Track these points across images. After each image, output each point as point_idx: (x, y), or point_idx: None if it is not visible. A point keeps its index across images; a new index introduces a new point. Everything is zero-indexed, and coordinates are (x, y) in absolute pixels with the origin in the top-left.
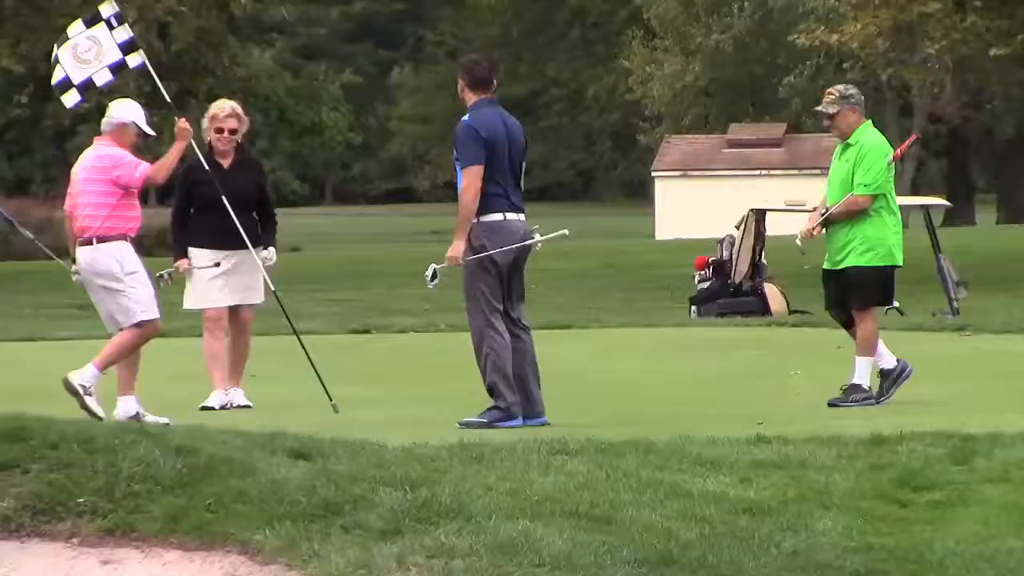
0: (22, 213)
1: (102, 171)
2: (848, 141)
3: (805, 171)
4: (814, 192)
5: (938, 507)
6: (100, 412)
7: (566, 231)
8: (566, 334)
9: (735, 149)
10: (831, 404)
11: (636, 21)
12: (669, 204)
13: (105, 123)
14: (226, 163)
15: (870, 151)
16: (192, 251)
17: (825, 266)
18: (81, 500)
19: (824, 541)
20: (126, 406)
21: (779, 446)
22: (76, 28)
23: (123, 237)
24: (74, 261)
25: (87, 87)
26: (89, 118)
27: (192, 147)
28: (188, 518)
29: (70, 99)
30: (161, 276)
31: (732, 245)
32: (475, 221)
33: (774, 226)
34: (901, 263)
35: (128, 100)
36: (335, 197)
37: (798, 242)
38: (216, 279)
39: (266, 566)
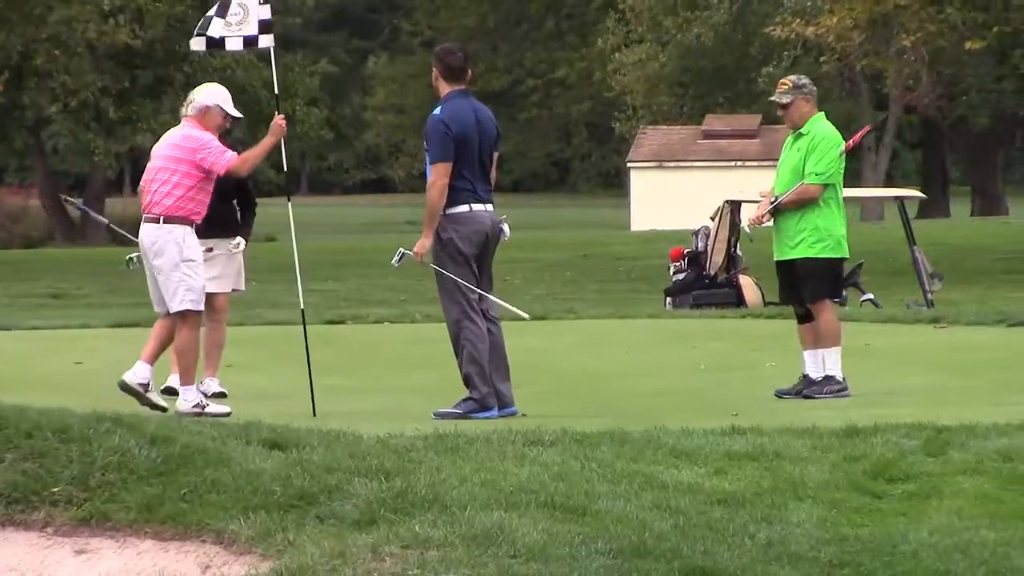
0: None
1: (186, 151)
2: (800, 131)
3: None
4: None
5: (912, 498)
6: (225, 409)
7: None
8: (541, 325)
9: (710, 140)
10: (806, 396)
11: (609, 10)
12: (644, 195)
13: (191, 106)
14: None
15: (822, 140)
16: None
17: (776, 257)
18: (56, 489)
19: (798, 532)
20: (142, 371)
21: (754, 437)
22: None
23: (189, 222)
24: None
25: (217, 44)
26: (66, 106)
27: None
28: (163, 508)
29: (196, 44)
30: (130, 259)
31: (707, 236)
32: (442, 214)
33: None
34: (848, 255)
35: (214, 84)
36: (310, 187)
37: (746, 228)
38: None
39: (241, 556)
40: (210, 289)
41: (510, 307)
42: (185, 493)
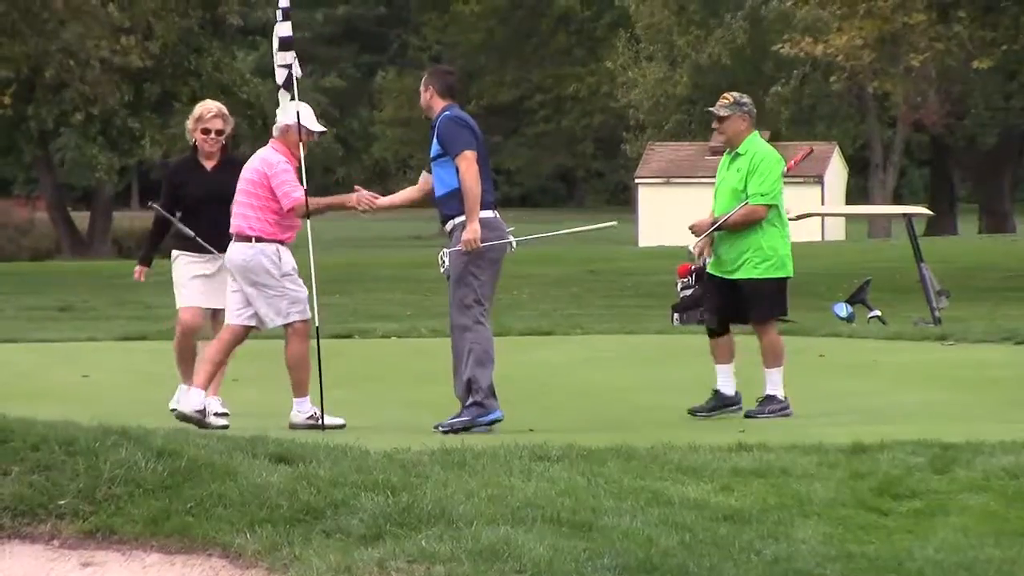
0: (4, 214)
1: (261, 175)
2: (738, 151)
3: (787, 179)
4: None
5: (918, 516)
6: (340, 421)
7: (615, 223)
8: (548, 340)
9: (718, 156)
10: (747, 416)
11: (619, 27)
12: (652, 211)
13: (275, 128)
14: (210, 165)
15: (764, 160)
16: (176, 254)
17: (713, 271)
18: (62, 502)
19: (804, 549)
20: (194, 398)
21: (760, 454)
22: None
23: (279, 240)
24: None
25: (290, 81)
26: (72, 120)
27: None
28: (169, 521)
29: (292, 104)
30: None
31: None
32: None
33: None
34: (792, 273)
35: (294, 102)
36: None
37: (691, 248)
38: (197, 281)
39: (247, 570)
40: (216, 305)
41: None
42: (191, 507)
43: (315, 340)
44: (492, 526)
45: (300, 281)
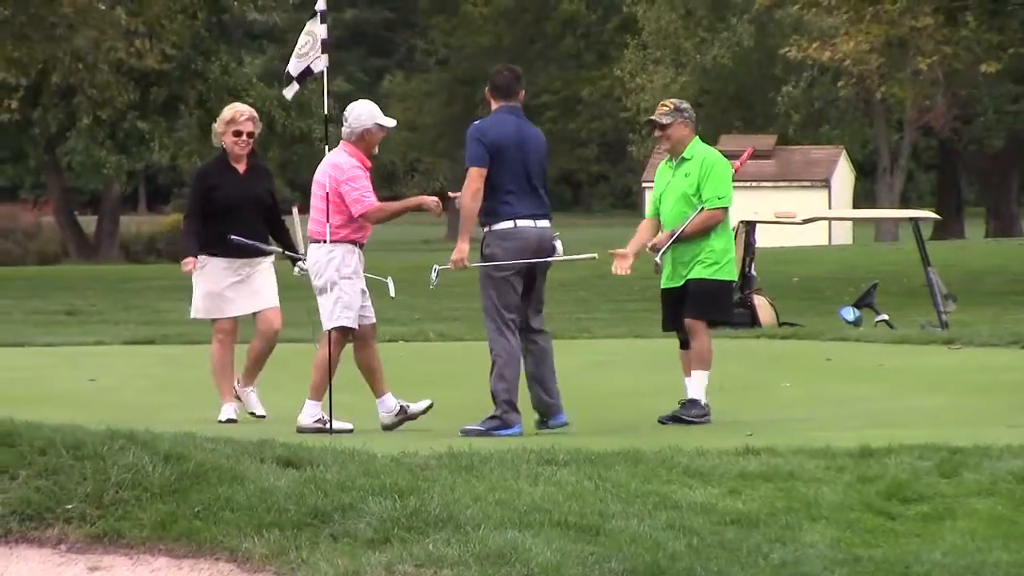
0: (11, 219)
1: (331, 180)
2: (683, 156)
3: (794, 183)
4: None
5: (926, 519)
6: (348, 426)
7: (595, 255)
8: (556, 344)
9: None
10: (661, 421)
11: (625, 31)
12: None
13: (346, 131)
14: (241, 168)
15: (715, 164)
16: (204, 259)
17: (666, 285)
18: (69, 506)
19: (812, 553)
20: (390, 403)
21: (768, 457)
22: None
23: (351, 242)
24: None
25: (304, 75)
26: (81, 123)
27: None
28: (176, 525)
29: (288, 91)
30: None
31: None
32: (487, 230)
33: (764, 238)
34: (736, 278)
35: (361, 101)
36: None
37: (657, 260)
38: (228, 288)
39: (255, 574)
40: (248, 311)
41: (577, 256)
42: (199, 511)
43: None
44: (500, 530)
45: (359, 285)
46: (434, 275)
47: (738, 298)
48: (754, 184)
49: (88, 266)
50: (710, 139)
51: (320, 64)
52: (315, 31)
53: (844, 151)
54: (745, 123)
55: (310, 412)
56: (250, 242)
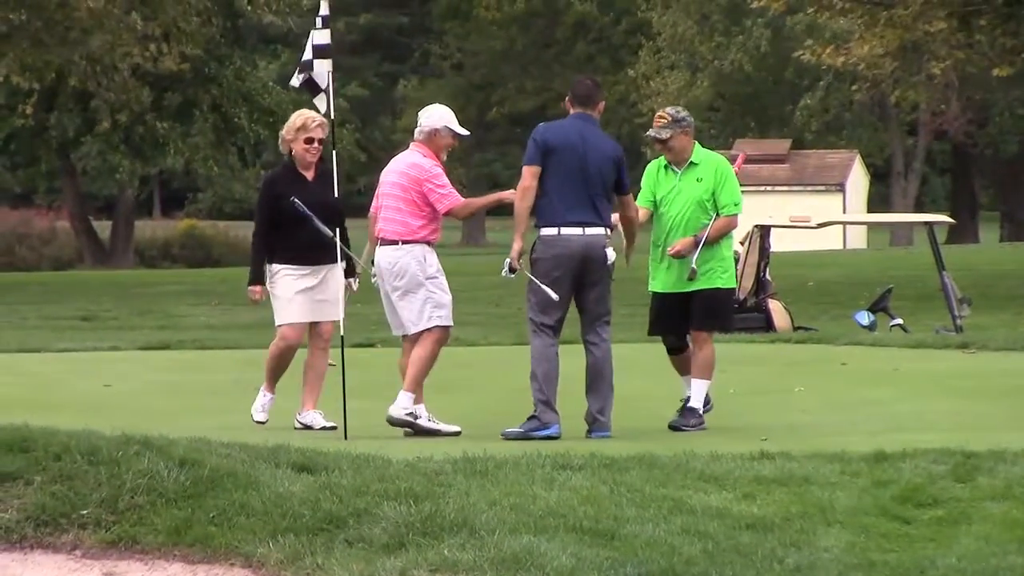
0: (26, 224)
1: (413, 181)
2: (692, 160)
3: (809, 187)
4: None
5: (941, 524)
6: (440, 427)
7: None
8: (569, 349)
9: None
10: (672, 428)
11: (636, 35)
12: None
13: (417, 131)
14: (310, 175)
15: (727, 170)
16: (276, 267)
17: (670, 289)
18: (84, 512)
19: (827, 557)
20: (405, 400)
21: (782, 462)
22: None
23: (427, 243)
24: (371, 262)
25: (311, 86)
26: (99, 127)
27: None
28: (191, 531)
29: (319, 102)
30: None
31: (737, 261)
32: (538, 233)
33: (779, 242)
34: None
35: (436, 105)
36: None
37: (694, 265)
38: (300, 296)
39: None
40: (315, 318)
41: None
42: (214, 516)
43: (340, 348)
44: (515, 535)
45: (445, 284)
46: (505, 270)
47: (753, 303)
48: (768, 188)
49: (103, 271)
50: (725, 143)
51: (322, 70)
52: (313, 36)
53: (859, 155)
54: (760, 127)
55: (402, 403)
56: (309, 213)
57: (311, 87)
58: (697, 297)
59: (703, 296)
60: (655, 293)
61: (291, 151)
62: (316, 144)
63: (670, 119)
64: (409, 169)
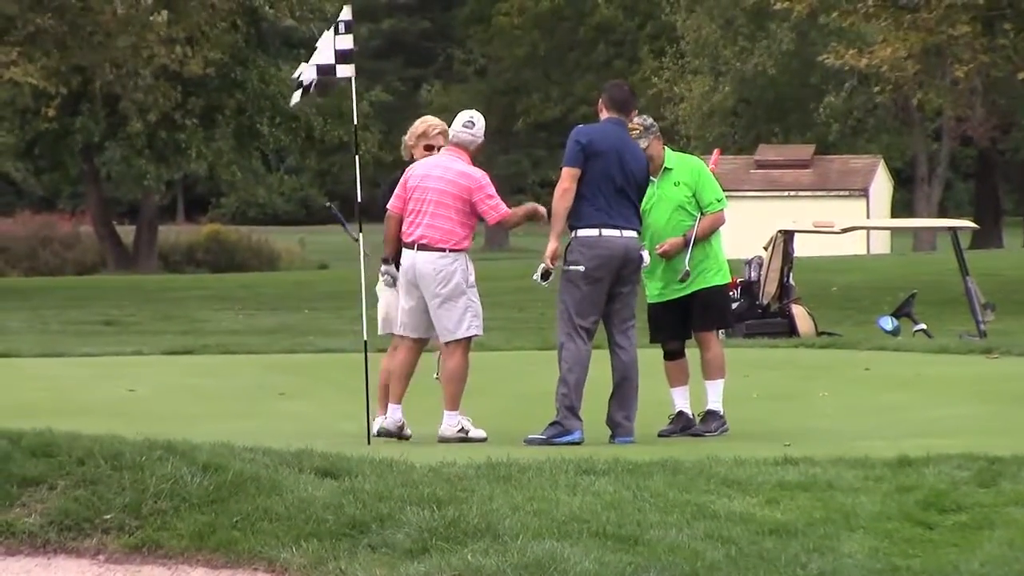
0: (50, 228)
1: (464, 190)
2: (666, 166)
3: (833, 192)
4: (842, 213)
5: (964, 529)
6: (482, 433)
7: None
8: (594, 353)
9: (763, 170)
10: (694, 434)
11: (658, 39)
12: None
13: (466, 137)
14: None
15: (703, 169)
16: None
17: (666, 298)
18: (108, 516)
19: (850, 563)
20: (393, 414)
21: (806, 467)
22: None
23: (466, 251)
24: (386, 262)
25: (301, 85)
26: (130, 128)
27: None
28: (215, 535)
29: (295, 98)
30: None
31: (760, 266)
32: (573, 234)
33: (802, 247)
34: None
35: (475, 112)
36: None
37: (687, 267)
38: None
39: None
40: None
41: None
42: (237, 521)
43: (363, 353)
44: (538, 540)
45: (478, 295)
46: (537, 276)
47: (777, 307)
48: (792, 194)
49: (126, 276)
50: (749, 148)
51: (312, 73)
52: (327, 38)
53: (882, 160)
54: (784, 132)
55: (450, 423)
56: (340, 217)
57: (310, 87)
58: (694, 298)
59: (700, 296)
60: (651, 303)
61: (411, 156)
62: (436, 151)
63: (641, 128)
64: (459, 178)
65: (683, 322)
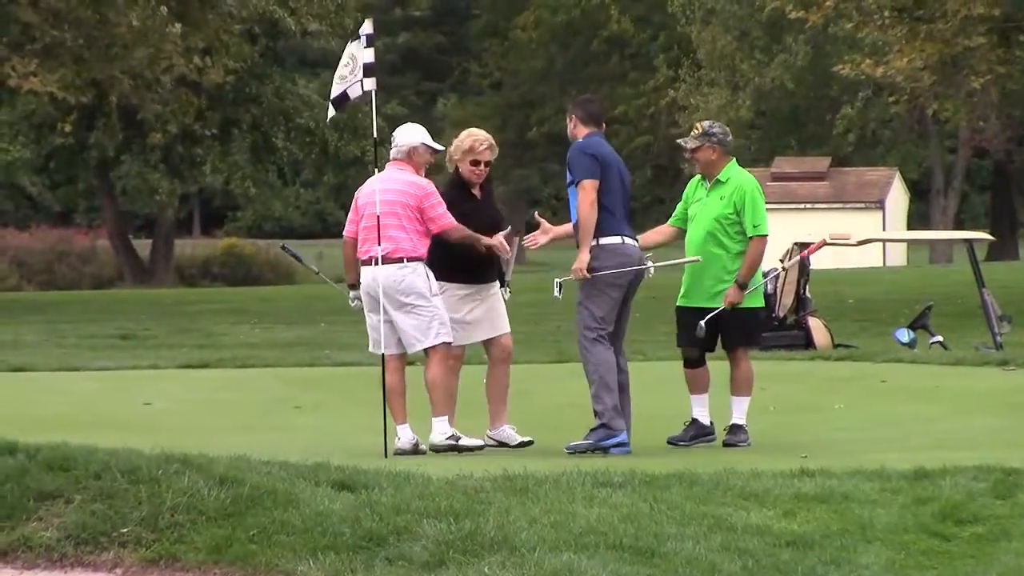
0: (66, 242)
1: (412, 197)
2: (718, 178)
3: (849, 204)
4: (858, 226)
5: (980, 541)
6: (479, 442)
7: (699, 258)
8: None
9: (779, 183)
10: (727, 444)
11: (672, 50)
12: None
13: (395, 150)
14: (478, 193)
15: (755, 192)
16: (444, 285)
17: (693, 303)
18: (124, 530)
19: (867, 575)
20: (403, 434)
21: (822, 479)
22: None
23: (424, 260)
24: (351, 287)
25: (342, 99)
26: (150, 139)
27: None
28: (232, 549)
29: (331, 111)
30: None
31: (776, 279)
32: (595, 243)
33: (819, 260)
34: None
35: (410, 124)
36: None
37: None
38: (469, 314)
39: None
40: (486, 335)
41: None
42: (254, 534)
43: (379, 366)
44: (555, 552)
45: (442, 302)
46: (557, 289)
47: (793, 320)
48: (808, 206)
49: (143, 290)
50: (765, 160)
51: (358, 89)
52: (356, 54)
53: (898, 173)
54: (800, 144)
55: (440, 430)
56: (298, 253)
57: (342, 102)
58: (731, 316)
59: (737, 316)
60: (680, 307)
61: (457, 168)
62: (482, 166)
63: (701, 131)
64: (408, 187)
65: (711, 335)
